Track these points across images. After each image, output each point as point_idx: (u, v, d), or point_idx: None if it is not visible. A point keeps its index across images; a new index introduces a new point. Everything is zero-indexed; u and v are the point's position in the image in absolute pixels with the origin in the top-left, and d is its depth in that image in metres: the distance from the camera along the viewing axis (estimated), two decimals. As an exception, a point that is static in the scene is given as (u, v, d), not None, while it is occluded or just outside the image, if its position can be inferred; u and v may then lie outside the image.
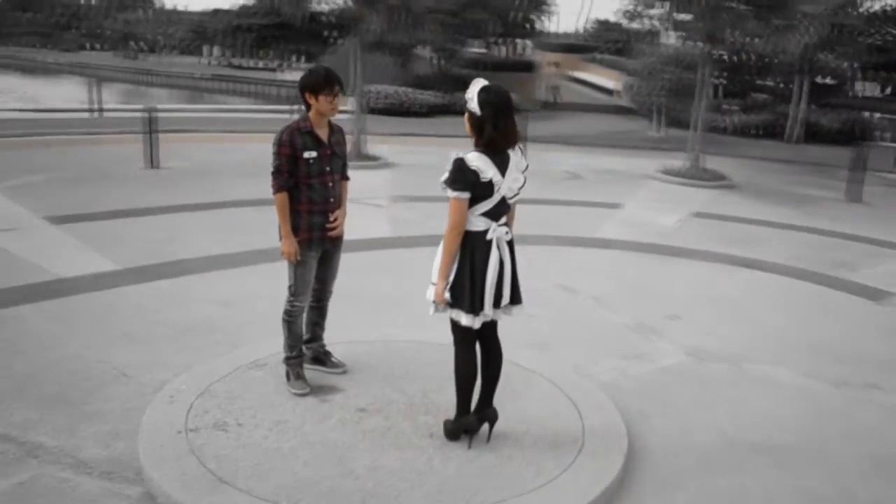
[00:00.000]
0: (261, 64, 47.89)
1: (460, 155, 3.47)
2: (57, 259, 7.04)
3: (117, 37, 62.12)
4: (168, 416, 4.04)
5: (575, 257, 8.27)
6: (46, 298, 6.02)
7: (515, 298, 3.73)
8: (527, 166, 3.67)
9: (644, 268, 8.03)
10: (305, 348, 4.63)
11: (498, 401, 3.93)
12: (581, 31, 46.13)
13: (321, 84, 4.11)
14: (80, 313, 5.78)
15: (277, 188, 4.15)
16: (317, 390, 4.39)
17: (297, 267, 4.28)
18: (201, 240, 7.92)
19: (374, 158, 14.22)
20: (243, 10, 42.88)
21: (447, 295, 3.59)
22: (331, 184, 4.28)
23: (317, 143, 4.19)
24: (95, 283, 6.45)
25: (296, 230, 4.21)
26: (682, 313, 6.53)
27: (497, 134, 3.49)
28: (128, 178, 11.50)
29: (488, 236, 3.57)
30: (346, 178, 4.48)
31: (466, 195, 3.48)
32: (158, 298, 6.17)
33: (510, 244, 3.68)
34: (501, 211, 3.61)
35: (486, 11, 24.14)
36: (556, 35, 46.35)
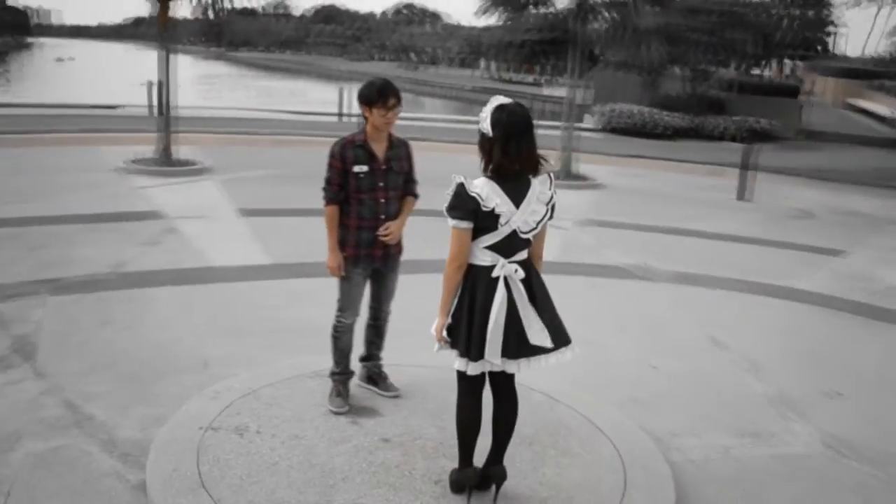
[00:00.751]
0: (530, 79, 48.91)
1: (462, 179, 3.10)
2: (220, 248, 7.61)
3: (400, 49, 67.24)
4: (201, 411, 4.11)
5: (750, 307, 7.23)
6: (185, 283, 6.50)
7: (555, 341, 3.23)
8: (552, 197, 3.19)
9: (832, 331, 6.79)
10: (361, 366, 4.48)
11: (540, 454, 3.49)
12: (872, 54, 40.90)
13: (375, 97, 3.93)
14: (205, 301, 6.16)
15: (326, 201, 4.05)
16: (356, 410, 4.21)
17: (343, 282, 4.15)
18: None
19: (582, 178, 13.75)
20: (514, 26, 44.26)
21: (445, 333, 3.23)
22: (383, 200, 4.07)
23: (370, 157, 4.02)
24: (238, 275, 6.86)
25: (343, 245, 4.08)
26: (850, 391, 5.40)
27: (506, 159, 3.07)
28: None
29: (494, 273, 3.14)
30: (412, 195, 4.25)
31: (466, 224, 3.09)
32: (285, 296, 6.39)
33: (528, 282, 3.21)
34: (514, 246, 3.17)
35: (748, 31, 22.29)
36: (842, 58, 41.66)
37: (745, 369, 5.67)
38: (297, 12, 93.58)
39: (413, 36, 65.42)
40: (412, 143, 4.28)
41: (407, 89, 50.79)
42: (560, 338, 3.27)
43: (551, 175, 3.24)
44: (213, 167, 12.29)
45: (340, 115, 22.08)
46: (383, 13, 72.37)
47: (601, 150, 17.76)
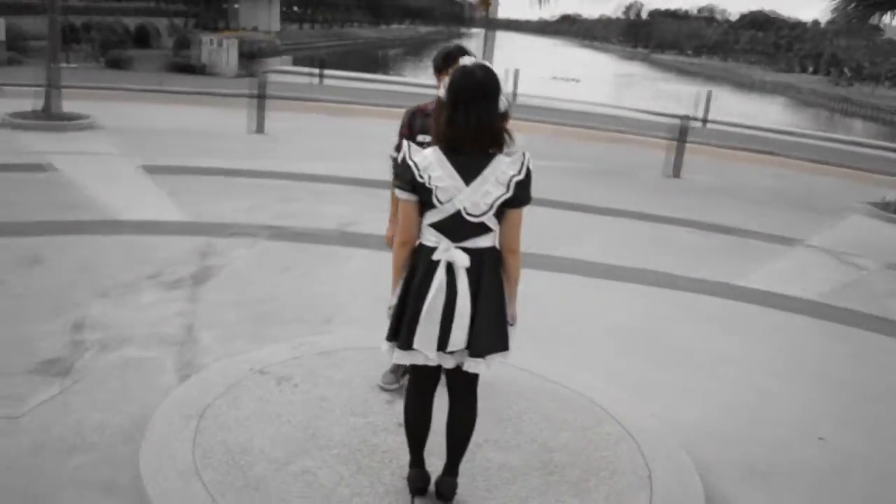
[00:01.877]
0: None
1: (408, 144, 2.80)
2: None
3: (832, 62, 60.53)
4: (271, 355, 4.35)
5: None
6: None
7: (482, 347, 2.83)
8: (519, 179, 2.72)
9: None
10: None
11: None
12: None
13: (441, 63, 3.71)
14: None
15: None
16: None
17: None
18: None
19: None
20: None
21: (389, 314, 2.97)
22: None
23: (422, 126, 3.82)
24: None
25: None
26: None
27: (450, 128, 2.70)
28: (647, 183, 11.74)
29: (434, 256, 2.79)
30: None
31: (406, 196, 2.79)
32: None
33: (476, 275, 2.79)
34: (463, 229, 2.77)
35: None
36: None
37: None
38: (723, 16, 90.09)
39: (849, 49, 58.31)
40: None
41: (827, 106, 45.86)
42: (489, 342, 2.82)
43: (526, 156, 2.77)
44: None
45: (705, 121, 20.77)
46: (815, 21, 65.75)
47: None
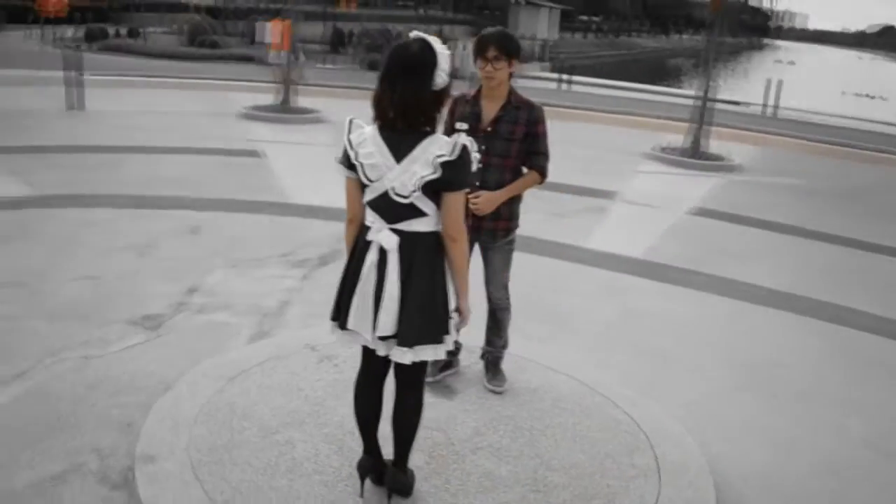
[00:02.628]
0: None
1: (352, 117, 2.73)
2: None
3: None
4: (304, 340, 4.38)
5: None
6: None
7: (409, 335, 2.70)
8: (447, 160, 2.56)
9: None
10: (482, 350, 4.15)
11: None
12: None
13: (475, 47, 3.56)
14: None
15: None
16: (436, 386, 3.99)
17: None
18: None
19: None
20: None
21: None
22: (479, 165, 3.66)
23: (475, 116, 3.67)
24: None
25: None
26: None
27: (375, 102, 2.62)
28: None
29: (368, 235, 2.71)
30: (536, 169, 3.71)
31: (346, 172, 2.74)
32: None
33: (408, 260, 2.67)
34: (395, 210, 2.65)
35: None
36: None
37: None
38: None
39: None
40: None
41: None
42: (414, 331, 2.68)
43: (462, 138, 2.61)
44: (741, 166, 11.70)
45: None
46: None
47: None
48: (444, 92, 2.64)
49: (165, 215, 6.93)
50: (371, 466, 3.04)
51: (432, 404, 3.76)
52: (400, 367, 2.85)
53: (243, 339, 4.60)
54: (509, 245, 3.86)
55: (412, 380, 2.91)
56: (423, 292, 2.69)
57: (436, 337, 2.74)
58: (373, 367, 2.95)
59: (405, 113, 2.58)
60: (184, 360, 4.20)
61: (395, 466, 3.01)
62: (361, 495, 3.04)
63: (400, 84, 2.56)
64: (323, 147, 10.49)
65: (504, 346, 4.08)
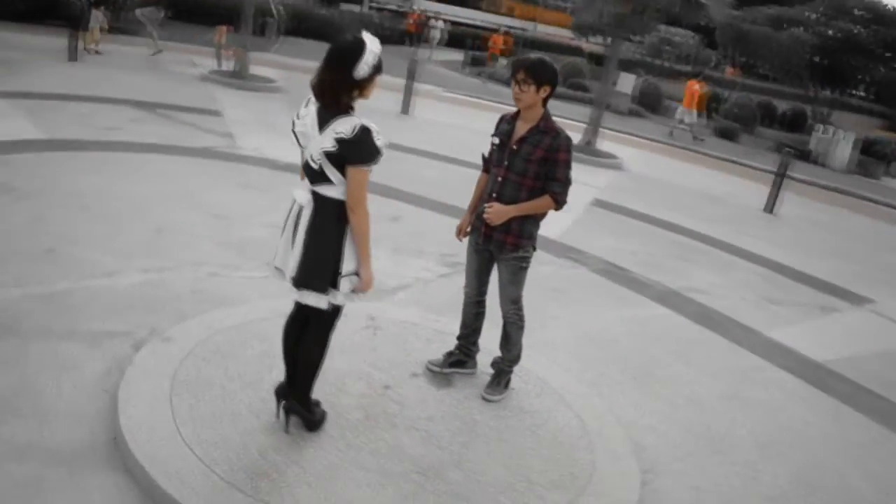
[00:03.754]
0: None
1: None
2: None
3: None
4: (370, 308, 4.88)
5: None
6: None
7: (298, 278, 3.13)
8: (343, 138, 2.93)
9: None
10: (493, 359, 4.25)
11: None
12: None
13: (511, 69, 3.75)
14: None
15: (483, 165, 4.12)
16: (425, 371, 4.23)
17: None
18: None
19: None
20: None
21: None
22: (500, 178, 3.85)
23: (507, 133, 3.87)
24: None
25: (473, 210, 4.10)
26: None
27: (311, 82, 3.06)
28: None
29: (294, 192, 3.15)
30: (551, 195, 3.79)
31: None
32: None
33: (313, 218, 3.07)
34: (312, 174, 3.07)
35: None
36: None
37: None
38: None
39: None
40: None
41: None
42: (304, 277, 3.10)
43: (362, 121, 2.98)
44: None
45: None
46: None
47: None
48: (366, 81, 3.00)
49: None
50: (285, 393, 3.46)
51: (419, 388, 4.03)
52: (305, 306, 3.23)
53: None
54: (517, 261, 3.93)
55: (314, 321, 3.29)
56: (320, 247, 3.08)
57: (320, 287, 3.11)
58: (297, 306, 3.37)
59: (322, 94, 3.02)
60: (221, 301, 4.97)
61: (292, 393, 3.41)
62: (277, 416, 3.47)
63: (325, 69, 3.00)
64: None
65: (512, 362, 4.14)
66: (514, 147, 3.83)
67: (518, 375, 4.30)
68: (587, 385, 4.61)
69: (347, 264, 3.12)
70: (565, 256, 7.22)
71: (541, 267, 6.42)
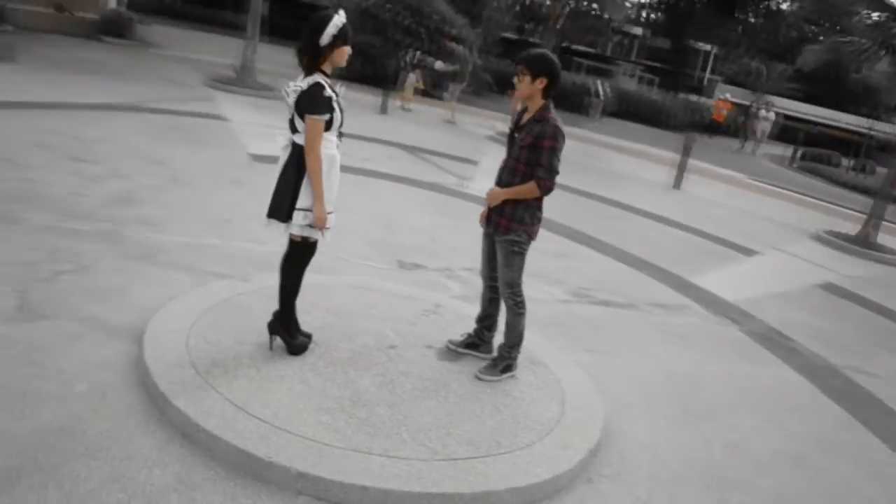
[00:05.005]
0: None
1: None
2: None
3: None
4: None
5: None
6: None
7: (268, 209, 3.78)
8: (298, 89, 3.61)
9: None
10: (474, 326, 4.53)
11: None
12: None
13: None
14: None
15: None
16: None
17: None
18: None
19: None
20: None
21: None
22: (502, 164, 4.14)
23: (515, 122, 4.15)
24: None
25: None
26: None
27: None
28: None
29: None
30: (535, 178, 3.98)
31: None
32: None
33: (286, 160, 3.74)
34: (290, 123, 3.72)
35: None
36: None
37: None
38: None
39: None
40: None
41: None
42: (270, 210, 3.73)
43: (315, 78, 3.60)
44: None
45: None
46: None
47: None
48: (330, 47, 3.62)
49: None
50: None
51: (423, 355, 4.38)
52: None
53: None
54: (509, 244, 4.10)
55: (287, 251, 3.90)
56: (282, 185, 3.72)
57: (280, 219, 3.73)
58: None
59: (299, 58, 3.70)
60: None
61: (275, 315, 4.02)
62: (270, 348, 4.09)
63: (301, 38, 3.68)
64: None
65: (510, 347, 4.27)
66: (514, 135, 4.11)
67: (531, 369, 4.41)
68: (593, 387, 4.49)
69: (303, 200, 3.71)
70: (723, 314, 6.81)
71: (677, 318, 6.28)
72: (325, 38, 3.62)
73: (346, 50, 3.70)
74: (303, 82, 3.65)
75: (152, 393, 3.54)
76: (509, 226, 4.11)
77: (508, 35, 32.03)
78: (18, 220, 5.42)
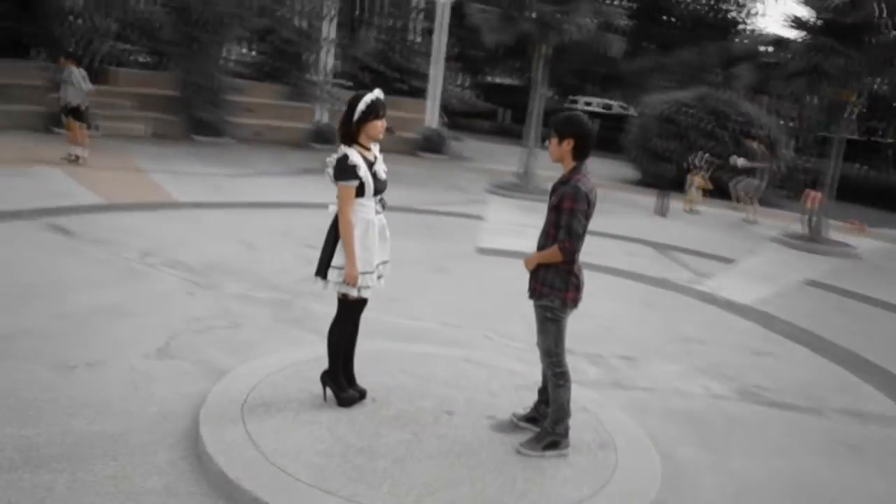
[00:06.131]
0: None
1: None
2: None
3: None
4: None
5: None
6: None
7: (316, 272, 4.23)
8: (331, 161, 4.07)
9: None
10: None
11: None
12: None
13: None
14: None
15: None
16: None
17: None
18: None
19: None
20: None
21: None
22: (542, 229, 4.05)
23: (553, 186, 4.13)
24: None
25: None
26: None
27: None
28: None
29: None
30: (558, 241, 3.91)
31: None
32: None
33: (332, 221, 4.16)
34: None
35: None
36: None
37: None
38: None
39: None
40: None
41: None
42: (318, 269, 4.19)
43: (342, 150, 4.01)
44: None
45: None
46: None
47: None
48: (360, 122, 4.02)
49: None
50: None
51: (476, 423, 4.36)
52: None
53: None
54: (544, 311, 3.98)
55: (337, 309, 4.26)
56: (325, 246, 4.16)
57: (322, 275, 4.15)
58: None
59: (337, 132, 4.13)
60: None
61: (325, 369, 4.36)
62: (324, 399, 4.42)
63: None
64: None
65: (554, 423, 4.08)
66: (549, 199, 4.04)
67: (593, 453, 4.14)
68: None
69: (337, 259, 4.08)
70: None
71: (865, 428, 5.35)
72: (357, 115, 4.05)
73: (379, 124, 4.09)
74: (334, 154, 4.11)
75: (198, 420, 4.10)
76: (541, 290, 4.04)
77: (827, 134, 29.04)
78: (215, 287, 6.58)
